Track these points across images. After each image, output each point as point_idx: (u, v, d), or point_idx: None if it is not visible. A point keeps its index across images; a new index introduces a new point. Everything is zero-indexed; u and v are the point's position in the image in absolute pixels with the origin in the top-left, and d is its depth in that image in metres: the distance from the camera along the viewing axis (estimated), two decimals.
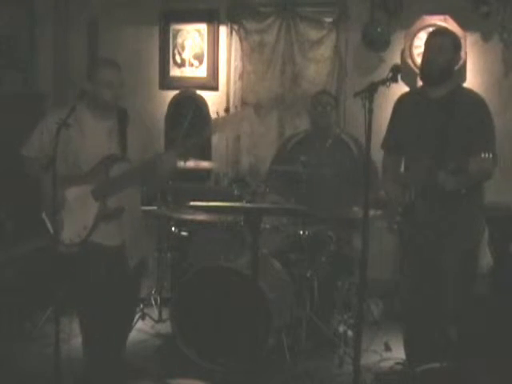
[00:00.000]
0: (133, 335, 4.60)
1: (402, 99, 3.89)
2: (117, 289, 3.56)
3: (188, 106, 5.80)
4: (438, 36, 3.71)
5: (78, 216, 3.51)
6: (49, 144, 3.38)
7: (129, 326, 4.06)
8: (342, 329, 4.55)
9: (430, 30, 4.54)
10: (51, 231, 3.50)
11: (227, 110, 3.61)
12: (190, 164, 4.67)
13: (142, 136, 3.70)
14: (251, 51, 5.80)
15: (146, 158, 3.55)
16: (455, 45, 3.70)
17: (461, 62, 5.06)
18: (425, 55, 3.69)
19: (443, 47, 3.61)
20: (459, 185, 3.54)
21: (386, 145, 3.95)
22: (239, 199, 4.42)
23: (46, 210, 3.52)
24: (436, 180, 3.55)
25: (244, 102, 5.80)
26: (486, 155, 3.28)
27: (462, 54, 5.10)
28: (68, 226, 3.51)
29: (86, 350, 3.68)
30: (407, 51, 5.29)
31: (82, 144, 3.52)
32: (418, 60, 4.81)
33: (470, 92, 3.80)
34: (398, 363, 4.12)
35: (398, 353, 4.22)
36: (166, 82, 5.98)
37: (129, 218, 3.61)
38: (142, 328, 4.78)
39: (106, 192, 3.51)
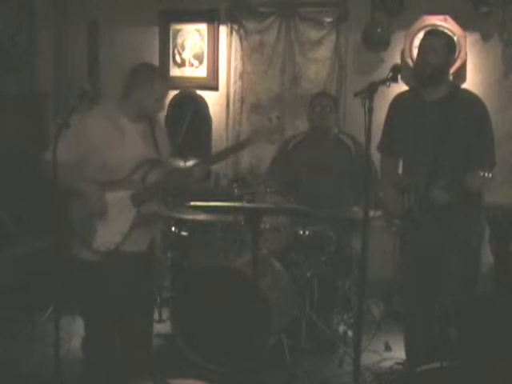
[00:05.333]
0: None
1: (398, 99, 3.87)
2: (141, 293, 3.53)
3: (188, 105, 5.80)
4: (431, 37, 3.68)
5: (114, 222, 3.39)
6: (77, 150, 3.32)
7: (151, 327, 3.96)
8: (341, 329, 4.56)
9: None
10: (83, 238, 3.39)
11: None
12: (190, 164, 4.67)
13: (166, 138, 3.66)
14: (251, 51, 5.80)
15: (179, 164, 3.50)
16: (449, 46, 3.67)
17: (459, 63, 5.08)
18: (418, 56, 3.68)
19: (436, 48, 3.58)
20: (452, 199, 3.52)
21: (382, 147, 3.94)
22: (239, 199, 4.41)
23: (78, 217, 3.39)
24: (429, 194, 3.55)
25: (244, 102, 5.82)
26: (486, 174, 3.26)
27: (462, 54, 5.12)
28: (103, 233, 3.39)
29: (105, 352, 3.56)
30: (407, 51, 5.29)
31: (121, 148, 3.40)
32: None
33: (468, 94, 3.77)
34: (398, 363, 4.13)
35: (398, 353, 4.22)
36: None
37: (156, 222, 3.59)
38: None
39: (146, 197, 3.43)
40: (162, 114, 5.88)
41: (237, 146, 3.55)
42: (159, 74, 3.58)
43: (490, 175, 3.27)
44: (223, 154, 3.68)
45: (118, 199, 3.40)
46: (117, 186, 3.40)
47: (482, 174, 3.27)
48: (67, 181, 3.37)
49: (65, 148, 3.29)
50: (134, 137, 3.45)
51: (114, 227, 3.40)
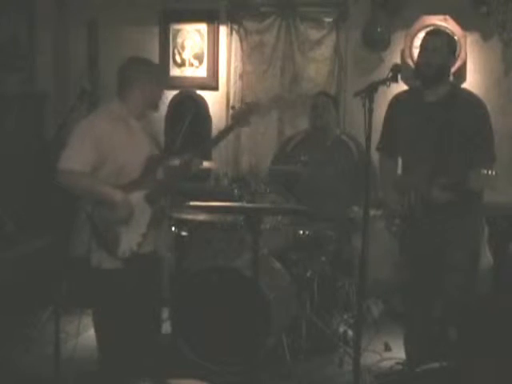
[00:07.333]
0: None
1: (398, 99, 3.87)
2: (151, 294, 3.53)
3: (188, 105, 5.79)
4: (433, 36, 3.69)
5: (135, 224, 3.35)
6: (94, 156, 3.25)
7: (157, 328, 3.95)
8: (342, 329, 4.55)
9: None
10: (107, 247, 3.33)
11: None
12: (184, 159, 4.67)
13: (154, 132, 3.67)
14: (251, 51, 5.79)
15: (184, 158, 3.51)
16: (450, 46, 3.68)
17: (459, 63, 5.08)
18: (420, 55, 3.68)
19: (438, 47, 3.59)
20: (452, 198, 3.52)
21: (381, 147, 3.94)
22: (239, 199, 4.41)
23: (103, 225, 3.32)
24: (429, 193, 3.55)
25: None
26: (489, 172, 3.25)
27: (462, 54, 5.12)
28: (126, 238, 3.34)
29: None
30: (407, 51, 5.29)
31: (135, 148, 3.38)
32: None
33: (468, 94, 3.77)
34: (398, 363, 4.12)
35: (398, 353, 4.22)
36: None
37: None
38: None
39: (158, 195, 3.41)
40: (162, 114, 5.92)
41: (221, 134, 3.65)
42: (149, 61, 3.56)
43: (494, 173, 3.26)
44: (211, 144, 3.80)
45: (135, 200, 3.35)
46: (133, 187, 3.35)
47: (485, 172, 3.26)
48: (89, 189, 3.32)
49: (80, 156, 3.25)
50: (141, 135, 3.44)
51: (136, 229, 3.36)
